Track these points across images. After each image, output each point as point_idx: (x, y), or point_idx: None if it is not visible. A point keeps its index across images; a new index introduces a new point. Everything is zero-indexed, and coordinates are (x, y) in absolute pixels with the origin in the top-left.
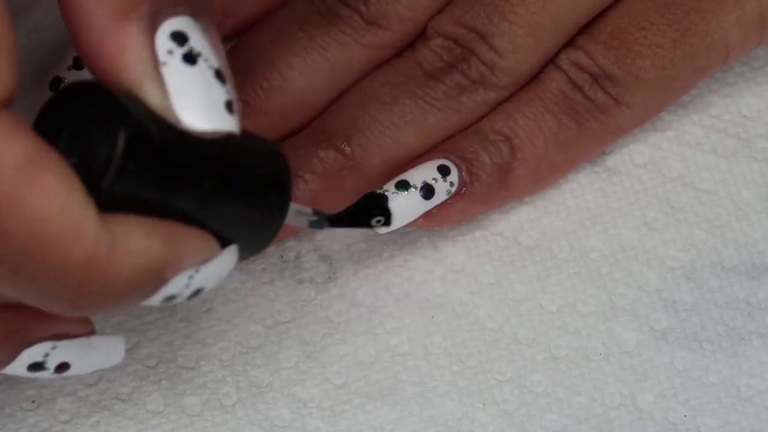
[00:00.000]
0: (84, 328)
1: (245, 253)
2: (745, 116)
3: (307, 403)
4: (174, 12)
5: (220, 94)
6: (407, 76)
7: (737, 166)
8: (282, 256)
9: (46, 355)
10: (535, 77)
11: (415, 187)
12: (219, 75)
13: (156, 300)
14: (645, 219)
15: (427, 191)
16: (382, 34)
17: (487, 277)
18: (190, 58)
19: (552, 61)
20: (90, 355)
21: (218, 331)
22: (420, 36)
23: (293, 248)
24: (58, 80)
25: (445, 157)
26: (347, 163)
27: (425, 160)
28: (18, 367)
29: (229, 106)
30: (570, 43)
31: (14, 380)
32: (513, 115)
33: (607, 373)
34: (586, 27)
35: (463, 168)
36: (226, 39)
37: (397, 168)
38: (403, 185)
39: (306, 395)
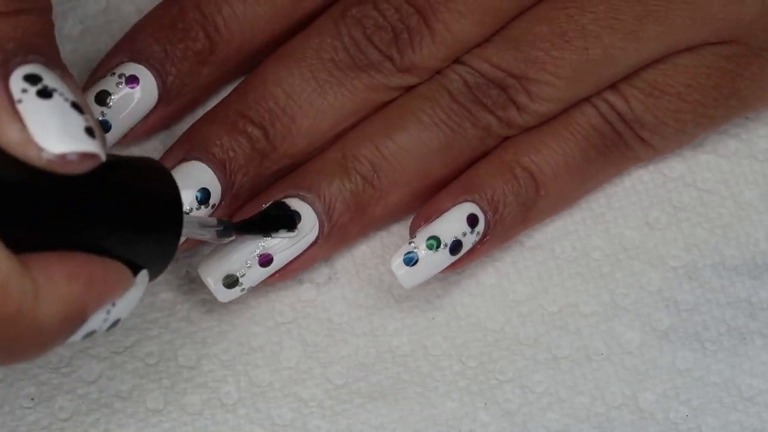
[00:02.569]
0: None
1: (155, 270)
2: (746, 117)
3: (308, 403)
4: (26, 60)
5: (78, 120)
6: (433, 100)
7: (739, 167)
8: None
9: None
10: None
11: (446, 245)
12: (75, 106)
13: (77, 337)
14: (647, 219)
15: (456, 246)
16: (412, 80)
17: (488, 278)
18: (45, 93)
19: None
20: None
21: (219, 331)
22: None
23: None
24: None
25: (473, 201)
26: (375, 193)
27: (453, 202)
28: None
29: (89, 131)
30: None
31: (13, 378)
32: (540, 150)
33: (608, 373)
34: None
35: (489, 213)
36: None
37: (421, 195)
38: (434, 242)
39: (307, 395)
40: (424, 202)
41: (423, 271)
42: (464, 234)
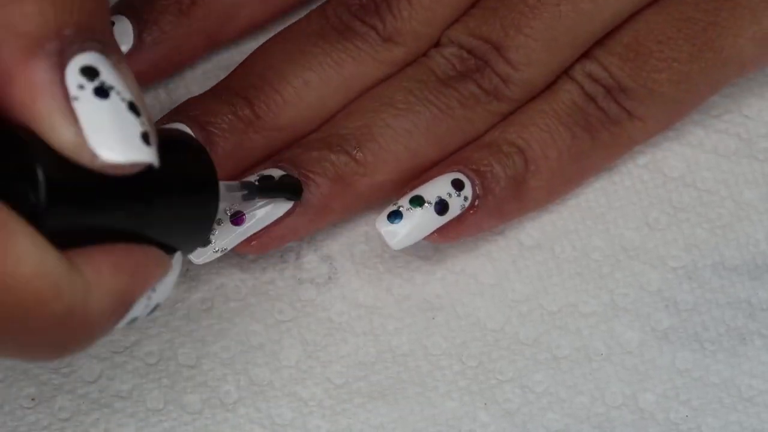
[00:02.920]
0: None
1: (188, 251)
2: (746, 116)
3: (308, 402)
4: (83, 47)
5: (134, 126)
6: (420, 81)
7: (738, 166)
8: (282, 257)
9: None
10: (548, 88)
11: (430, 203)
12: (133, 107)
13: (121, 325)
14: (647, 219)
15: (442, 207)
16: (398, 51)
17: (487, 277)
18: (103, 92)
19: (566, 71)
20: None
21: (219, 330)
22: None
23: (293, 249)
24: None
25: (458, 170)
26: (359, 168)
27: (439, 174)
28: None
29: (145, 137)
30: (585, 53)
31: (14, 378)
32: (527, 127)
33: (608, 373)
34: (602, 38)
35: (477, 181)
36: (225, 44)
37: (408, 175)
38: (418, 201)
39: (307, 394)
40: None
41: (409, 229)
42: (449, 195)
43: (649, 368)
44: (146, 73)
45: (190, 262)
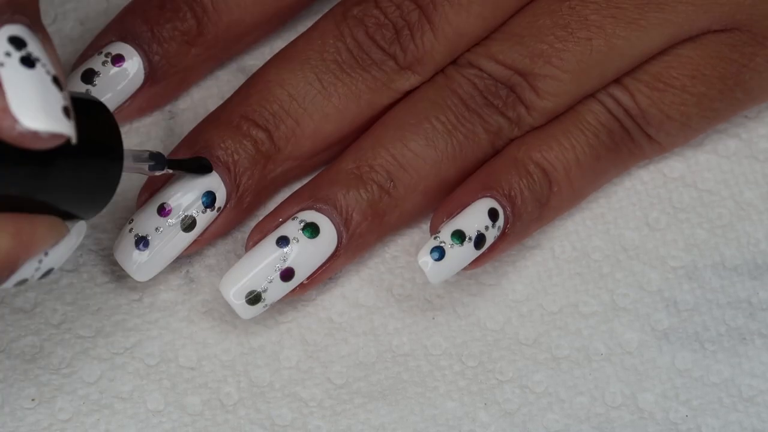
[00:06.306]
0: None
1: (90, 215)
2: (746, 116)
3: (308, 403)
4: (12, 19)
5: (57, 98)
6: (445, 107)
7: (739, 166)
8: None
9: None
10: (571, 109)
11: (470, 239)
12: (56, 81)
13: (8, 285)
14: (647, 219)
15: (479, 240)
16: (415, 80)
17: (488, 278)
18: (29, 61)
19: (592, 94)
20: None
21: (219, 332)
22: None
23: None
24: None
25: (492, 196)
26: (392, 201)
27: (472, 198)
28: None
29: (66, 111)
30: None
31: (14, 379)
32: (551, 146)
33: (608, 373)
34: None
35: (509, 209)
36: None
37: (434, 198)
38: (459, 236)
39: (307, 395)
40: (435, 205)
41: (449, 266)
42: (486, 228)
43: (649, 368)
44: (156, 100)
45: (189, 262)
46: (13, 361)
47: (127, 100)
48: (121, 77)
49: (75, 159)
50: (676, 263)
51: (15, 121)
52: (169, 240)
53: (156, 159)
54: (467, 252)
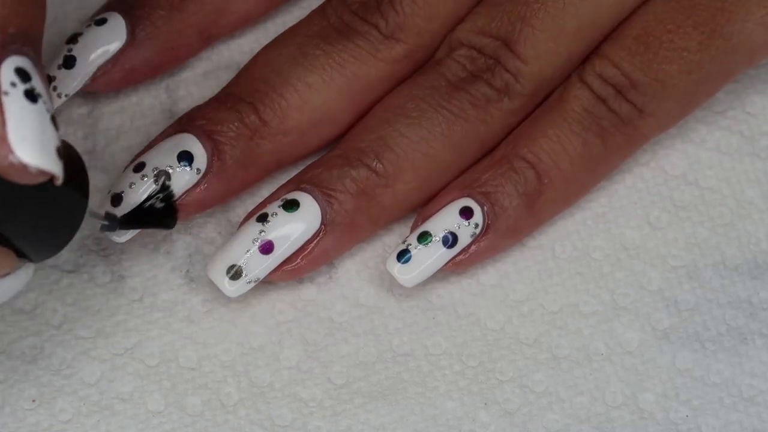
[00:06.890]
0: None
1: (42, 258)
2: (749, 113)
3: (308, 403)
4: (21, 50)
5: (53, 137)
6: (431, 88)
7: (741, 164)
8: None
9: None
10: (558, 92)
11: (438, 238)
12: (53, 120)
13: None
14: (648, 218)
15: (452, 239)
16: (399, 48)
17: (488, 278)
18: (32, 96)
19: (577, 73)
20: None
21: (220, 332)
22: (443, 46)
23: None
24: (48, 79)
25: (467, 195)
26: (379, 180)
27: (447, 201)
28: None
29: (58, 151)
30: (594, 51)
31: (14, 380)
32: (536, 139)
33: (608, 373)
34: (611, 33)
35: (487, 205)
36: (219, 38)
37: (430, 182)
38: (425, 237)
39: (307, 395)
40: (434, 191)
41: (418, 268)
42: (458, 227)
43: (649, 368)
44: (140, 69)
45: (189, 263)
46: (14, 362)
47: (108, 61)
48: (102, 35)
49: (44, 198)
50: (677, 262)
51: (10, 151)
52: (144, 192)
53: (109, 219)
54: (436, 252)
